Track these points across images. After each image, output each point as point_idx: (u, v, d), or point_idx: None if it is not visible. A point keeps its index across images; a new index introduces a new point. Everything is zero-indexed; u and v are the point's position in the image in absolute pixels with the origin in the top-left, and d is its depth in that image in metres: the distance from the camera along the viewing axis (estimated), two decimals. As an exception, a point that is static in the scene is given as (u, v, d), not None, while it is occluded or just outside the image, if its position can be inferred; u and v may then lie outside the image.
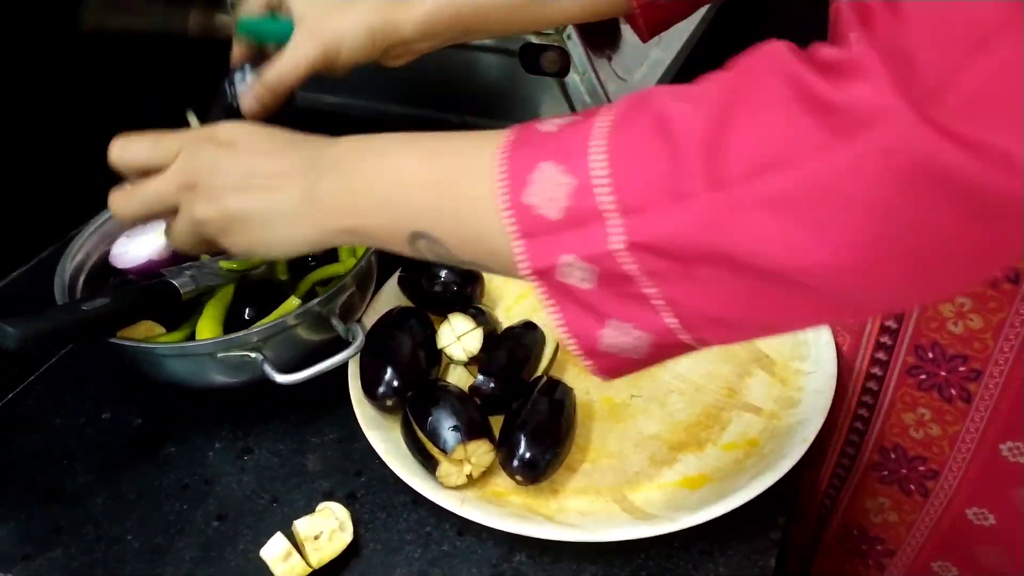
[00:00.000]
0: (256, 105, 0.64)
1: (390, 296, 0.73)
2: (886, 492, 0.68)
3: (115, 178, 0.77)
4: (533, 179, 0.39)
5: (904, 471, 0.65)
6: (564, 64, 0.81)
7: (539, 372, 0.64)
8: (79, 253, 0.71)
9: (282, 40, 0.62)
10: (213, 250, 0.55)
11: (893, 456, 0.65)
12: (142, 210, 0.54)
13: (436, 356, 0.66)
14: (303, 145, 0.51)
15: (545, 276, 0.40)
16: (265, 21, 0.66)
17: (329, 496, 0.61)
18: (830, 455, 0.70)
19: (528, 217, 0.39)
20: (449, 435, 0.56)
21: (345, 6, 0.62)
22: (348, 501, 0.60)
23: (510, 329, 0.67)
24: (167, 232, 0.56)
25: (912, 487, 0.65)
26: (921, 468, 0.64)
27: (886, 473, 0.66)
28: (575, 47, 0.80)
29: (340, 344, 0.62)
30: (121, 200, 0.54)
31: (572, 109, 0.84)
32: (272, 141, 0.52)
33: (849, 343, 0.64)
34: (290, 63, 0.62)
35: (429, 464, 0.57)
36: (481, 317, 0.66)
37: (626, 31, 0.89)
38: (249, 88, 0.64)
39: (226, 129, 0.53)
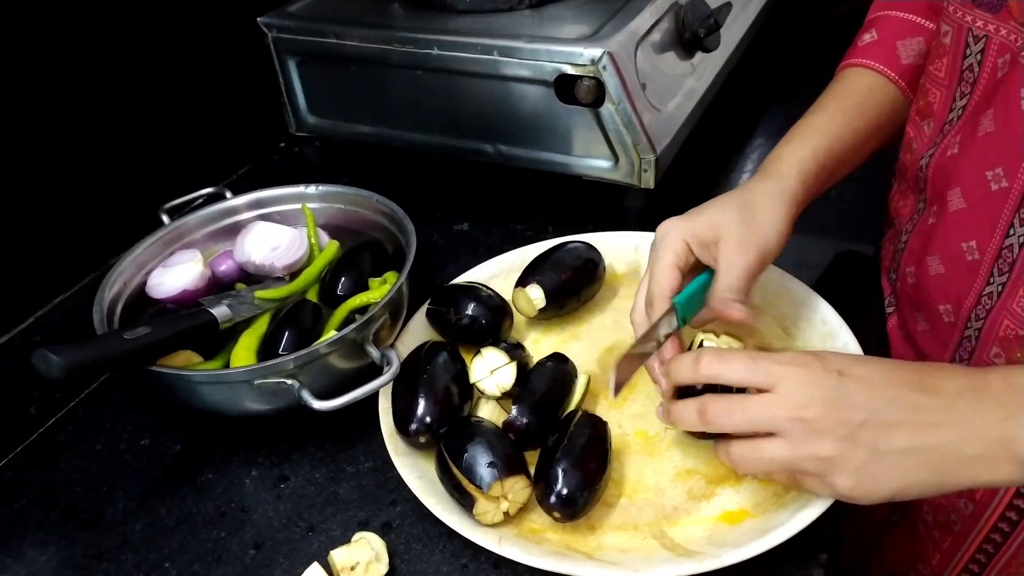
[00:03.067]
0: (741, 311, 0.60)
1: (417, 329, 0.73)
2: None
3: (153, 207, 0.79)
4: None
5: None
6: (599, 94, 0.81)
7: (572, 406, 0.64)
8: (116, 283, 0.72)
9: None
10: (792, 484, 0.53)
11: None
12: (746, 428, 0.51)
13: (468, 391, 0.65)
14: (946, 378, 0.49)
15: None
16: (690, 287, 0.63)
17: (365, 526, 0.61)
18: (984, 520, 0.66)
19: None
20: (486, 472, 0.55)
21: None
22: (383, 531, 0.60)
23: (541, 362, 0.66)
24: (726, 452, 0.53)
25: None
26: None
27: None
28: (610, 77, 0.80)
29: (374, 371, 0.62)
30: (722, 408, 0.52)
31: (607, 139, 0.84)
32: (895, 374, 0.50)
33: None
34: (732, 276, 0.60)
35: (466, 501, 0.56)
36: (515, 352, 0.66)
37: (661, 60, 0.90)
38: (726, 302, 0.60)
39: (838, 358, 0.51)
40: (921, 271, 0.66)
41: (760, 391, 0.51)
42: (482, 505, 0.56)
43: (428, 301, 0.73)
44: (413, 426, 0.61)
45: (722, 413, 0.51)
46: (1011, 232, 0.56)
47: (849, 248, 0.84)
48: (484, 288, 0.72)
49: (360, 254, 0.76)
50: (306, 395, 0.60)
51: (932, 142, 0.66)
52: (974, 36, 0.59)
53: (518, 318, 0.75)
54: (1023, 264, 0.56)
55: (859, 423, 0.48)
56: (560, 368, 0.65)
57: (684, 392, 0.58)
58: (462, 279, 0.77)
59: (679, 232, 0.62)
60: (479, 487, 0.55)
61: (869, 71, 0.72)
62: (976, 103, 0.60)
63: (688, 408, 0.54)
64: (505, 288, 0.76)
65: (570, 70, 0.81)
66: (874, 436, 0.47)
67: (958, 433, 0.47)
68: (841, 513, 0.55)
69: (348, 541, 0.58)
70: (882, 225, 0.80)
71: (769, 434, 0.50)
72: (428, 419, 0.61)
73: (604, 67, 0.80)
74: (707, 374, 0.53)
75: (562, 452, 0.57)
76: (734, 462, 0.53)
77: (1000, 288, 0.59)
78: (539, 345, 0.74)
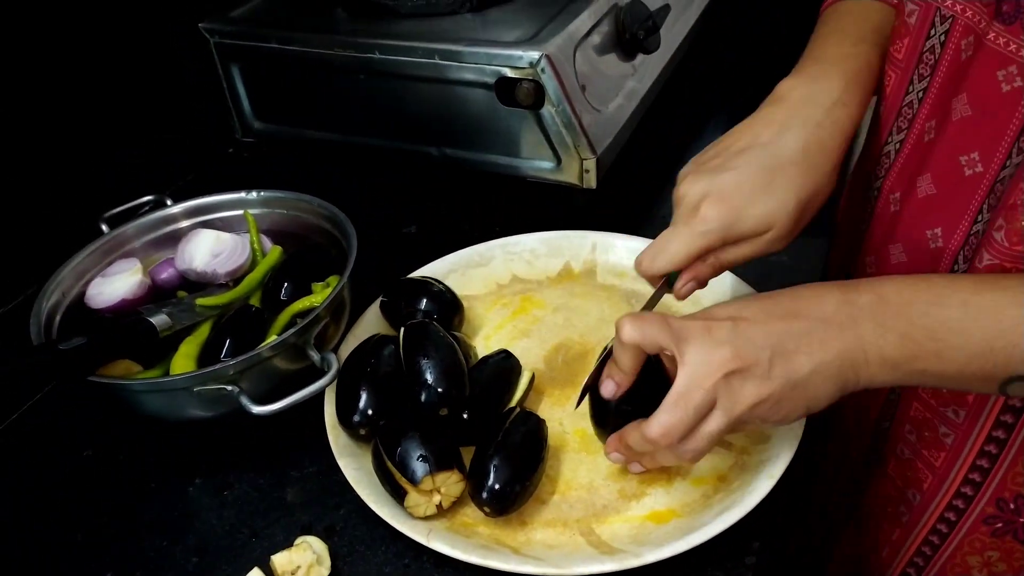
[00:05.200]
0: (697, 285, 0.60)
1: (371, 322, 0.74)
2: (996, 545, 0.65)
3: (91, 220, 0.78)
4: None
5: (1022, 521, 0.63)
6: (539, 97, 0.82)
7: (513, 403, 0.65)
8: (54, 293, 0.71)
9: None
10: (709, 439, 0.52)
11: (1013, 507, 0.62)
12: (692, 419, 0.51)
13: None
14: (815, 301, 0.52)
15: None
16: None
17: (308, 530, 0.61)
18: (931, 511, 0.67)
19: None
20: (417, 465, 0.56)
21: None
22: (326, 534, 0.60)
23: (486, 358, 0.67)
24: (679, 456, 0.53)
25: None
26: None
27: (999, 526, 0.64)
28: (549, 79, 0.81)
29: (316, 374, 0.62)
30: (665, 419, 0.51)
31: (548, 140, 0.85)
32: (778, 306, 0.52)
33: None
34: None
35: (398, 494, 0.57)
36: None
37: (601, 61, 0.91)
38: (699, 275, 0.60)
39: (723, 308, 0.53)
40: (882, 258, 0.66)
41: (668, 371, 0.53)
42: (413, 498, 0.57)
43: (381, 295, 0.74)
44: (355, 417, 0.62)
45: (667, 424, 0.51)
46: (979, 218, 0.56)
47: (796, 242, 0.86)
48: (437, 283, 0.74)
49: (303, 259, 0.77)
50: (245, 400, 0.60)
51: (891, 126, 0.65)
52: (941, 16, 0.58)
53: (468, 312, 0.76)
54: (982, 247, 0.56)
55: (767, 361, 0.50)
56: (503, 364, 0.67)
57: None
58: (418, 274, 0.78)
59: (720, 232, 0.57)
60: (411, 480, 0.56)
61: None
62: (941, 86, 0.59)
63: (633, 438, 0.54)
64: (461, 283, 0.78)
65: (509, 73, 0.82)
66: (783, 368, 0.50)
67: (843, 344, 0.50)
68: (777, 510, 0.56)
69: (291, 545, 0.58)
70: (833, 218, 0.79)
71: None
72: (370, 411, 0.61)
73: (543, 69, 0.81)
74: (628, 338, 0.53)
75: (495, 448, 0.58)
76: (690, 460, 0.53)
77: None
78: (489, 341, 0.75)
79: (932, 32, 0.59)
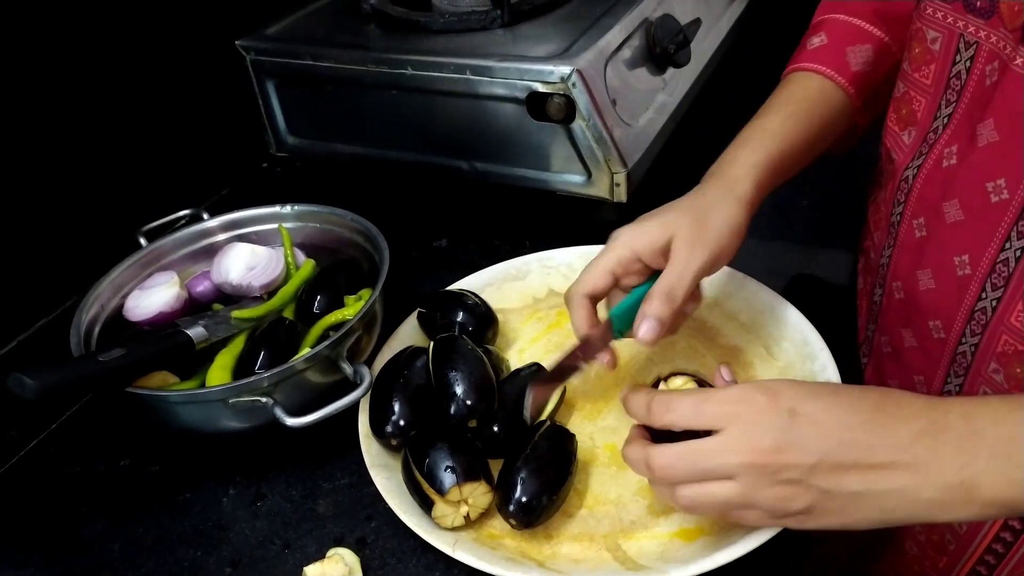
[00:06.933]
0: (659, 328, 0.59)
1: (407, 333, 0.74)
2: None
3: (129, 234, 0.79)
4: None
5: None
6: (570, 111, 0.83)
7: (544, 416, 0.64)
8: (93, 306, 0.72)
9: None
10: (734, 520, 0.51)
11: None
12: (698, 477, 0.49)
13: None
14: (903, 414, 0.47)
15: None
16: (628, 299, 0.63)
17: (340, 542, 0.61)
18: (976, 543, 0.66)
19: None
20: (445, 476, 0.56)
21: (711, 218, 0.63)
22: (358, 546, 0.61)
23: (517, 371, 0.67)
24: (672, 496, 0.51)
25: None
26: None
27: None
28: (580, 94, 0.81)
29: (349, 387, 0.63)
30: (669, 459, 0.50)
31: (579, 154, 0.85)
32: (848, 412, 0.48)
33: None
34: (681, 271, 0.59)
35: (426, 505, 0.58)
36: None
37: (632, 76, 0.91)
38: (646, 316, 0.59)
39: (789, 391, 0.49)
40: (910, 286, 0.65)
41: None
42: (440, 508, 0.57)
43: (419, 306, 0.75)
44: (387, 428, 0.62)
45: (669, 466, 0.50)
46: (1007, 245, 0.55)
47: (823, 256, 0.85)
48: (472, 296, 0.75)
49: (336, 272, 0.77)
50: (279, 412, 0.61)
51: (915, 151, 0.65)
52: (965, 42, 0.58)
53: (503, 326, 0.76)
54: (1020, 278, 0.55)
55: (810, 466, 0.46)
56: (535, 378, 0.66)
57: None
58: (455, 287, 0.78)
59: (627, 239, 0.62)
60: (438, 490, 0.56)
61: (819, 76, 0.72)
62: (965, 111, 0.59)
63: (636, 455, 0.52)
64: (497, 297, 0.78)
65: (541, 88, 0.83)
66: (825, 479, 0.46)
67: (913, 478, 0.46)
68: (808, 533, 0.55)
69: (323, 557, 0.59)
70: (859, 242, 0.80)
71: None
72: (402, 422, 0.62)
73: (573, 84, 0.81)
74: (658, 422, 0.52)
75: (523, 460, 0.58)
76: (683, 506, 0.51)
77: (995, 303, 0.57)
78: (523, 354, 0.75)
79: (958, 58, 0.59)
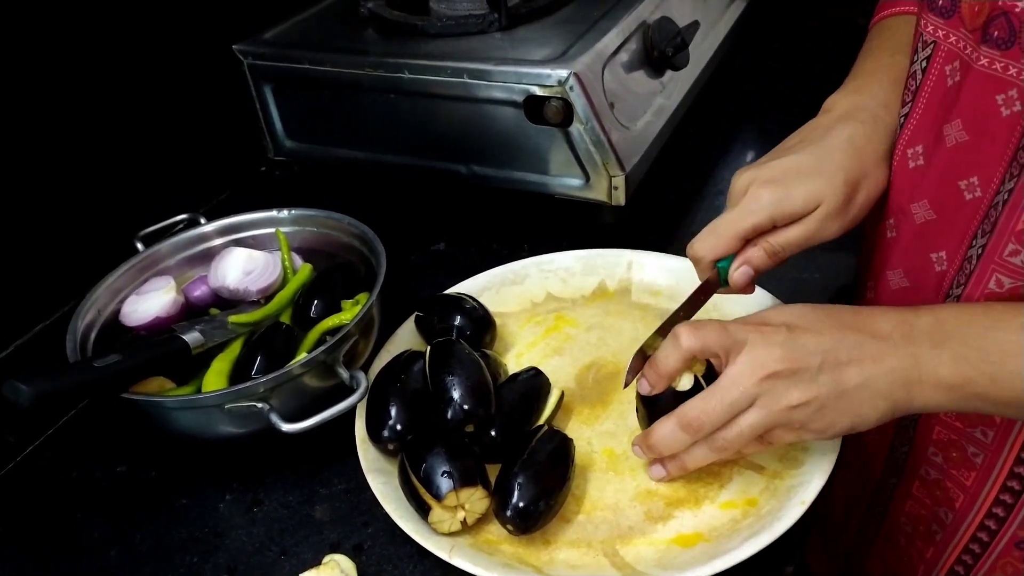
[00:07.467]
0: (752, 276, 0.61)
1: (404, 338, 0.74)
2: None
3: (126, 239, 0.79)
4: None
5: None
6: (567, 114, 0.82)
7: (541, 421, 0.64)
8: (90, 311, 0.72)
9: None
10: (761, 449, 0.56)
11: None
12: (727, 413, 0.53)
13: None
14: (873, 318, 0.53)
15: None
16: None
17: (336, 547, 0.61)
18: (964, 529, 0.66)
19: None
20: (442, 481, 0.56)
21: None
22: (355, 552, 0.60)
23: (515, 376, 0.67)
24: (710, 446, 0.55)
25: None
26: None
27: None
28: (577, 97, 0.81)
29: (346, 392, 0.63)
30: (699, 406, 0.54)
31: (577, 158, 0.85)
32: (834, 317, 0.54)
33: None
34: (808, 238, 0.60)
35: (423, 510, 0.57)
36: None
37: (630, 79, 0.91)
38: (751, 259, 0.60)
39: (780, 313, 0.55)
40: (882, 284, 0.66)
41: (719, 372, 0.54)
42: (437, 513, 0.56)
43: (417, 310, 0.75)
44: (384, 432, 0.62)
45: (701, 413, 0.54)
46: (973, 243, 0.56)
47: (823, 259, 0.84)
48: (470, 300, 0.74)
49: (333, 276, 0.77)
50: (275, 418, 0.60)
51: None
52: (923, 41, 0.59)
53: (501, 330, 0.76)
54: (979, 275, 0.56)
55: (816, 367, 0.51)
56: (532, 381, 0.66)
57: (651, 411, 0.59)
58: (453, 290, 0.78)
59: (769, 207, 0.59)
60: (435, 496, 0.56)
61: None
62: (926, 110, 0.59)
63: (666, 426, 0.56)
64: (495, 301, 0.78)
65: (538, 91, 0.83)
66: (831, 376, 0.51)
67: (898, 361, 0.51)
68: (805, 536, 0.56)
69: (319, 564, 0.59)
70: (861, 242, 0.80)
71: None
72: (399, 427, 0.62)
73: (571, 87, 0.81)
74: (688, 345, 0.55)
75: (520, 465, 0.57)
76: (722, 448, 0.54)
77: (956, 300, 0.58)
78: (521, 359, 0.75)
79: (915, 57, 0.60)
